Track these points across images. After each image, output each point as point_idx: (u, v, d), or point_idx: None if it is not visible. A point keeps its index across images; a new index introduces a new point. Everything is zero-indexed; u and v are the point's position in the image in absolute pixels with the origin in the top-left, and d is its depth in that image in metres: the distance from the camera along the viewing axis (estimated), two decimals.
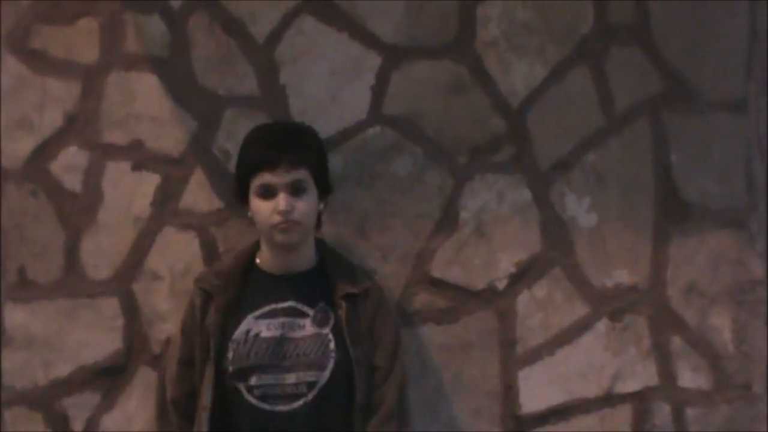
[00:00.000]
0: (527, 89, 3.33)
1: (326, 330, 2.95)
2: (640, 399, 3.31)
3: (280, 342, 2.94)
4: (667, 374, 3.32)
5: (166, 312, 3.31)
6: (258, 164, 2.94)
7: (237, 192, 3.03)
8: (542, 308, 3.31)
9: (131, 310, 3.32)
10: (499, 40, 3.33)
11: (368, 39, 3.33)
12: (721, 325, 3.32)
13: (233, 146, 3.30)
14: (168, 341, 3.27)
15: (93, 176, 3.33)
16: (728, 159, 3.32)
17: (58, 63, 3.33)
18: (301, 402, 2.91)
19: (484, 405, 3.30)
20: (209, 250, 3.31)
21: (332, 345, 2.94)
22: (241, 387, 2.93)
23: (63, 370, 3.32)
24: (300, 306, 2.97)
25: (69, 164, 3.33)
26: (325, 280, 3.00)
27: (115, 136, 3.33)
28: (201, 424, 2.95)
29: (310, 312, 2.96)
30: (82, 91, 3.34)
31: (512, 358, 3.31)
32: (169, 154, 3.33)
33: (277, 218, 2.92)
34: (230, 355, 2.95)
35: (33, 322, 3.32)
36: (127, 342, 3.32)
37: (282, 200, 2.91)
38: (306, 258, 3.02)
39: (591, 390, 3.31)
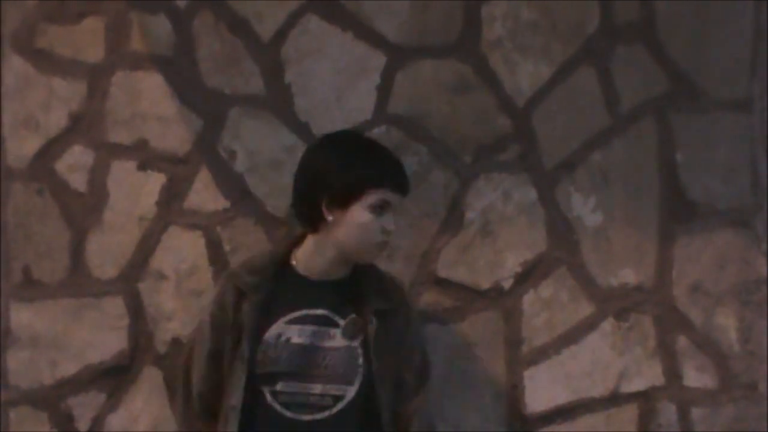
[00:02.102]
0: (532, 89, 3.34)
1: (356, 343, 2.89)
2: (646, 398, 3.31)
3: (309, 350, 2.87)
4: (673, 374, 3.31)
5: (172, 311, 3.31)
6: (384, 179, 2.86)
7: (338, 199, 2.86)
8: (548, 308, 3.31)
9: (136, 310, 3.33)
10: (504, 39, 3.33)
11: (373, 38, 3.33)
12: (726, 324, 3.31)
13: (239, 145, 3.31)
14: (174, 340, 3.28)
15: (98, 176, 3.33)
16: (733, 158, 3.32)
17: (64, 62, 3.34)
18: (325, 414, 2.85)
19: (490, 404, 3.30)
20: (215, 250, 3.32)
21: (361, 359, 2.88)
22: (266, 391, 2.87)
23: (68, 369, 3.32)
24: (332, 315, 2.90)
25: (74, 164, 3.33)
26: (356, 290, 2.93)
27: (121, 136, 3.34)
28: (229, 423, 2.87)
29: (341, 322, 2.89)
30: (87, 91, 3.34)
31: (518, 357, 3.31)
32: (175, 154, 3.33)
33: (382, 237, 2.86)
34: (259, 357, 2.87)
35: (38, 322, 3.32)
36: (132, 341, 3.32)
37: (393, 221, 2.87)
38: (345, 267, 2.95)
39: (596, 389, 3.31)
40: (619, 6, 3.32)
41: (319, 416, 2.85)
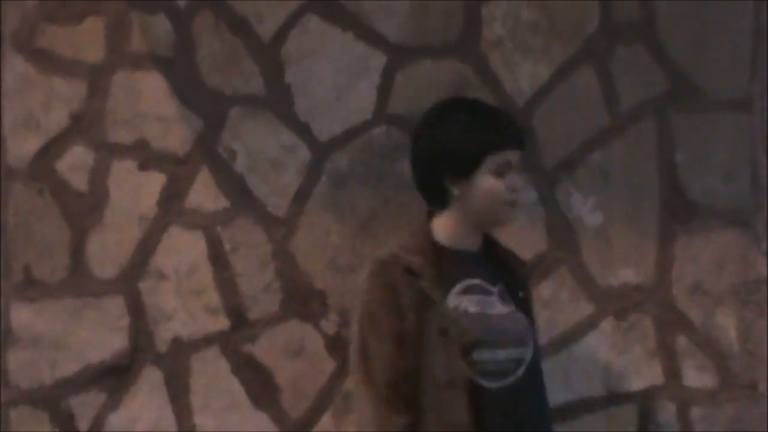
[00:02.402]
0: (532, 89, 3.34)
1: (512, 308, 2.89)
2: (646, 398, 3.31)
3: (485, 318, 2.85)
4: (673, 373, 3.32)
5: (172, 311, 3.32)
6: (506, 141, 2.85)
7: (461, 168, 2.85)
8: (548, 307, 3.31)
9: (137, 310, 3.33)
10: (504, 39, 3.34)
11: (373, 38, 3.33)
12: (726, 324, 3.32)
13: (239, 145, 3.32)
14: (174, 340, 3.29)
15: (99, 175, 3.33)
16: (733, 158, 3.33)
17: (64, 62, 3.34)
18: (512, 378, 2.83)
19: None
20: (215, 250, 3.32)
21: (524, 322, 2.89)
22: (462, 363, 2.81)
23: (69, 369, 3.32)
24: (485, 284, 2.89)
25: (75, 163, 3.33)
26: (492, 259, 2.94)
27: (121, 136, 3.34)
28: (454, 403, 2.78)
29: (493, 290, 2.89)
30: (87, 91, 3.34)
31: None
32: (175, 154, 3.33)
33: (513, 195, 2.86)
34: (450, 330, 2.81)
35: (39, 322, 3.32)
36: (132, 341, 3.32)
37: (520, 178, 2.87)
38: (480, 237, 2.94)
39: (596, 389, 3.32)
40: (619, 6, 3.32)
41: (508, 381, 2.83)
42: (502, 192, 2.85)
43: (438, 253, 2.89)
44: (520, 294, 2.92)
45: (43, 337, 3.32)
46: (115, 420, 3.32)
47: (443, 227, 2.91)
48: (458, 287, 2.86)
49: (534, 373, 2.87)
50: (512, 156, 2.86)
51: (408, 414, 2.79)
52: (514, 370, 2.83)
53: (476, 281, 2.88)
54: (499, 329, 2.85)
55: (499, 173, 2.84)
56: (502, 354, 2.83)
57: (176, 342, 3.32)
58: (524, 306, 2.93)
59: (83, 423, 3.32)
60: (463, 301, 2.85)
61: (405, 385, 2.80)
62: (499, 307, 2.87)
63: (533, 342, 2.88)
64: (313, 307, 3.33)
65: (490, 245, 2.96)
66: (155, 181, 3.33)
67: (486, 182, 2.85)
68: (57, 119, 3.34)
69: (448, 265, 2.88)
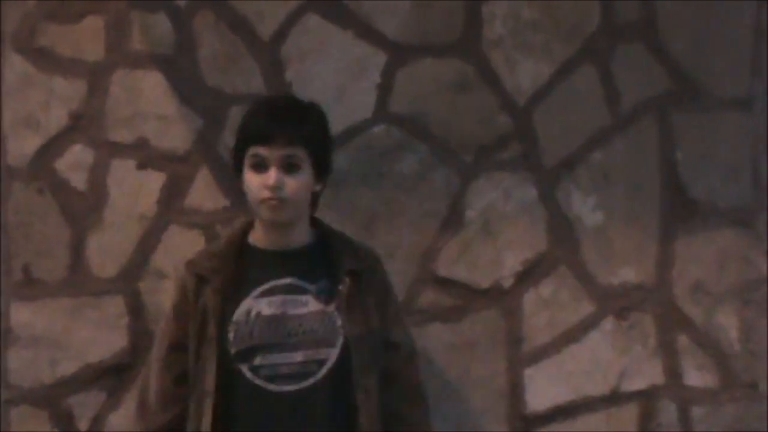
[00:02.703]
0: (533, 88, 3.34)
1: (331, 308, 2.84)
2: (647, 397, 3.32)
3: (282, 320, 2.83)
4: (674, 372, 3.32)
5: None
6: (253, 136, 2.81)
7: (233, 163, 2.89)
8: (548, 307, 3.31)
9: (137, 309, 3.32)
10: (505, 38, 3.33)
11: (374, 37, 3.33)
12: (727, 323, 3.32)
13: None
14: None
15: (99, 174, 3.33)
16: (734, 157, 3.33)
17: (64, 61, 3.33)
18: (311, 381, 2.80)
19: (491, 403, 3.30)
20: None
21: (339, 321, 2.83)
22: (245, 368, 2.81)
23: (68, 368, 3.31)
24: (300, 282, 2.85)
25: (75, 162, 3.33)
26: (324, 256, 2.89)
27: (121, 135, 3.33)
28: (203, 409, 2.82)
29: (312, 288, 2.86)
30: (87, 90, 3.33)
31: (518, 356, 3.31)
32: (175, 152, 3.33)
33: (266, 193, 2.79)
34: (231, 336, 2.83)
35: (38, 321, 3.32)
36: (132, 340, 3.32)
37: (272, 175, 2.78)
38: (300, 235, 2.90)
39: (597, 388, 3.31)
40: (619, 5, 3.32)
41: (304, 384, 2.80)
42: (257, 188, 2.80)
43: (245, 256, 2.89)
44: (340, 287, 2.85)
45: (42, 336, 3.32)
46: (114, 419, 3.31)
47: (255, 228, 2.92)
48: (257, 290, 2.85)
49: (342, 374, 2.81)
50: (266, 151, 2.79)
51: (167, 414, 2.89)
52: (315, 372, 2.81)
53: (287, 281, 2.85)
54: (299, 331, 2.82)
55: (255, 168, 2.81)
56: (298, 356, 2.81)
57: None
58: (358, 298, 2.85)
59: (83, 422, 3.31)
60: (258, 304, 2.85)
61: (176, 390, 2.89)
62: (310, 306, 2.84)
63: (345, 342, 2.82)
64: None
65: (326, 238, 2.92)
66: (155, 180, 3.33)
67: (246, 177, 2.83)
68: (57, 118, 3.33)
69: (253, 268, 2.88)
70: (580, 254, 3.33)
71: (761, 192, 3.33)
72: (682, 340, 3.32)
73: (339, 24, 3.32)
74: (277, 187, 2.78)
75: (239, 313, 2.84)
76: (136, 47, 3.33)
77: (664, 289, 3.32)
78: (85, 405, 3.31)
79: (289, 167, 2.80)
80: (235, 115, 3.32)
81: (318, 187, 2.89)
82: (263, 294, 2.85)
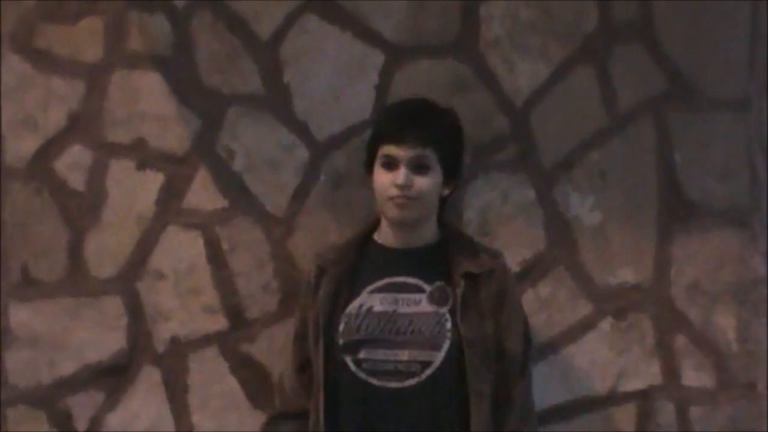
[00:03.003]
0: (530, 88, 3.34)
1: (444, 309, 2.86)
2: (644, 398, 3.31)
3: (392, 317, 2.85)
4: (671, 373, 3.32)
5: (170, 311, 3.32)
6: (385, 136, 2.90)
7: (366, 162, 2.97)
8: (546, 307, 3.31)
9: (135, 309, 3.32)
10: (503, 39, 3.34)
11: (371, 38, 3.33)
12: (724, 323, 3.32)
13: (237, 145, 3.32)
14: (173, 339, 3.30)
15: (97, 175, 3.33)
16: (731, 158, 3.33)
17: (62, 62, 3.34)
18: (414, 381, 2.82)
19: None
20: (213, 249, 3.32)
21: (449, 325, 2.84)
22: (349, 360, 2.85)
23: (67, 368, 3.32)
24: (416, 281, 2.89)
25: (73, 163, 3.33)
26: (445, 257, 2.92)
27: (119, 135, 3.33)
28: (318, 403, 2.87)
29: (428, 288, 2.89)
30: (86, 90, 3.34)
31: None
32: (173, 153, 3.33)
33: (394, 191, 2.86)
34: (341, 327, 2.86)
35: (37, 321, 3.32)
36: (130, 341, 3.32)
37: (401, 174, 2.85)
38: (425, 234, 2.94)
39: (595, 389, 3.31)
40: (616, 6, 3.32)
41: (407, 383, 2.82)
42: (386, 185, 2.88)
43: (367, 251, 2.95)
44: (457, 291, 2.87)
45: (41, 336, 3.32)
46: (113, 420, 3.32)
47: (381, 224, 2.98)
48: (373, 286, 2.90)
49: (445, 378, 2.83)
50: (397, 151, 2.87)
51: (297, 400, 2.97)
52: (419, 373, 2.83)
53: (402, 279, 2.90)
54: (407, 330, 2.84)
55: (385, 167, 2.89)
56: (404, 354, 2.84)
57: (174, 342, 3.32)
58: (473, 301, 2.87)
59: (81, 423, 3.32)
60: (371, 299, 2.89)
61: (300, 373, 2.98)
62: (422, 306, 2.86)
63: (452, 346, 2.83)
64: None
65: (450, 240, 2.96)
66: (153, 181, 3.33)
67: (376, 174, 2.92)
68: (55, 119, 3.34)
69: (373, 263, 2.93)
70: (578, 255, 3.33)
71: (758, 192, 3.33)
72: (680, 340, 3.32)
73: (337, 25, 3.33)
74: (405, 186, 2.85)
75: (352, 307, 2.89)
76: (134, 48, 3.33)
77: (662, 289, 3.32)
78: (83, 405, 3.32)
79: (418, 168, 2.87)
80: (234, 116, 3.33)
81: (447, 191, 2.96)
82: (377, 290, 2.90)
